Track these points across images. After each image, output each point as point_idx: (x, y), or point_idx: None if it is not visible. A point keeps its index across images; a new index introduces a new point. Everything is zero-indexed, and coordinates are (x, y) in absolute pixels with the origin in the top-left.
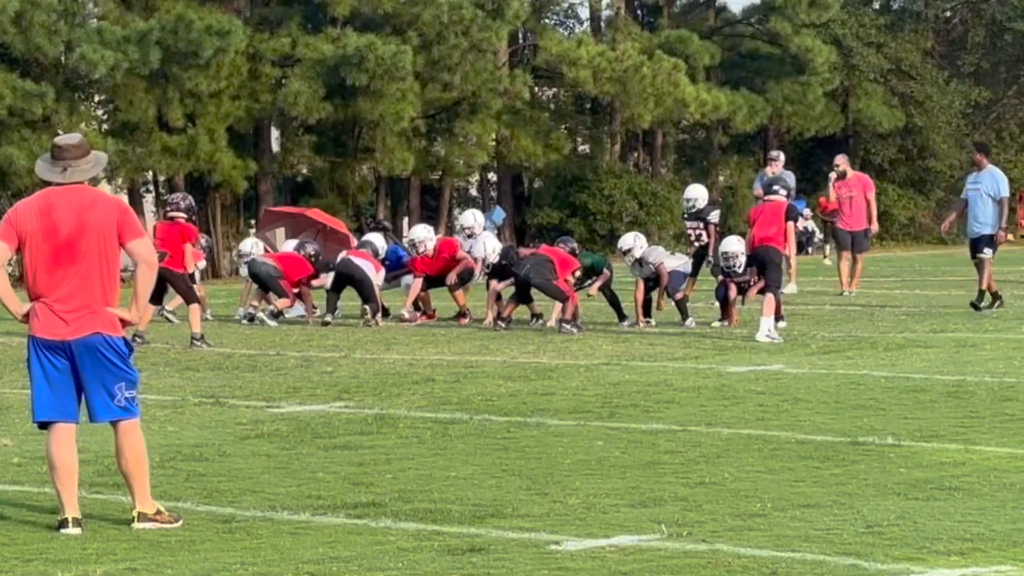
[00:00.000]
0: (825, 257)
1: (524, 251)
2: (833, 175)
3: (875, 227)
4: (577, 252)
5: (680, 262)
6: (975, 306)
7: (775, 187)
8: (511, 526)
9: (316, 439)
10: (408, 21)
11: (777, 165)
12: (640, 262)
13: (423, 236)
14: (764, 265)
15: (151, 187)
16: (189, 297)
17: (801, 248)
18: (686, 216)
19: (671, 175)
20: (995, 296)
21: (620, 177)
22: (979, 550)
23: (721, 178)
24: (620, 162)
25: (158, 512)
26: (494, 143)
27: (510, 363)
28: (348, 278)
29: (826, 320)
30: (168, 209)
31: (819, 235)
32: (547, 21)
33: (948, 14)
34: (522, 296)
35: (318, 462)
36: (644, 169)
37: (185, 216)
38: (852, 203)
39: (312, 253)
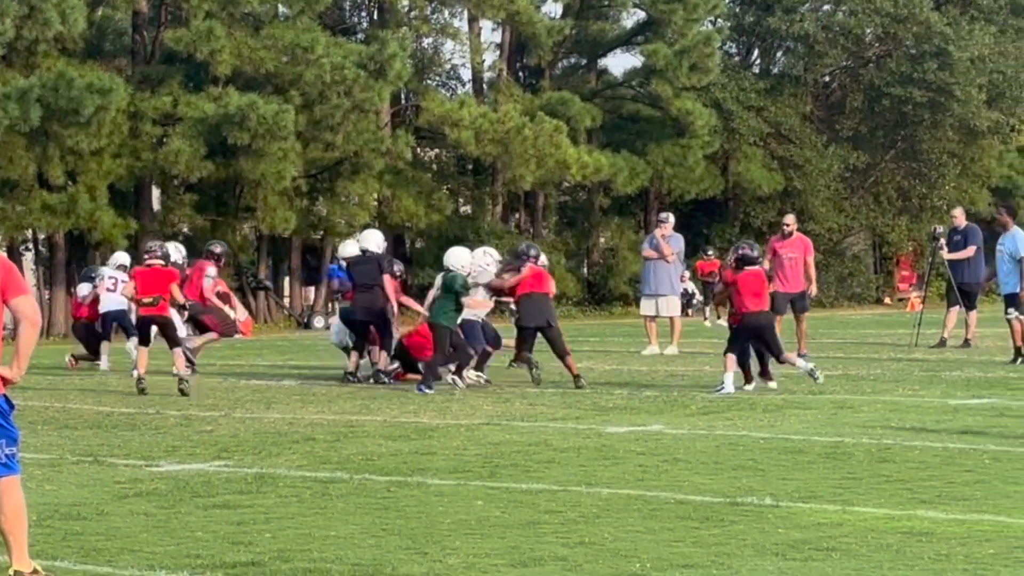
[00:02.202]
0: (705, 319)
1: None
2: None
3: (814, 289)
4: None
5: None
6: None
7: (754, 254)
8: None
9: (195, 498)
10: (290, 80)
11: (667, 227)
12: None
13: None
14: (763, 332)
15: (31, 245)
16: (175, 341)
17: (682, 310)
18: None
19: (553, 236)
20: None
21: (502, 238)
22: None
23: (602, 239)
24: (502, 223)
25: (35, 571)
26: (376, 203)
27: (391, 423)
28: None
29: (705, 381)
30: (146, 257)
31: (699, 297)
32: (429, 82)
33: (827, 79)
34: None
35: (197, 521)
36: (526, 230)
37: (163, 263)
38: (793, 264)
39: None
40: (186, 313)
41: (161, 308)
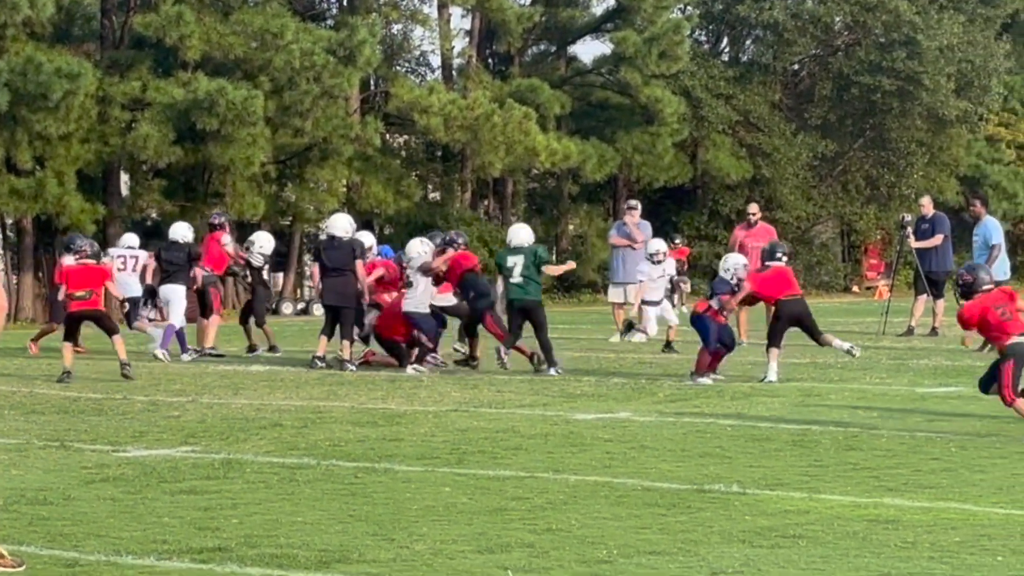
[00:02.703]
0: (673, 307)
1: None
2: (744, 224)
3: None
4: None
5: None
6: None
7: (778, 253)
8: (357, 572)
9: (162, 483)
10: (259, 66)
11: (635, 214)
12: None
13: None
14: (802, 318)
15: None
16: (114, 330)
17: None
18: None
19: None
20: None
21: (470, 224)
22: None
23: (571, 227)
24: (471, 210)
25: (0, 556)
26: (345, 189)
27: (358, 409)
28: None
29: (673, 368)
30: (77, 256)
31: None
32: (399, 68)
33: (796, 67)
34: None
35: (164, 506)
36: (495, 217)
37: (94, 261)
38: (760, 253)
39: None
40: (149, 301)
41: (94, 302)
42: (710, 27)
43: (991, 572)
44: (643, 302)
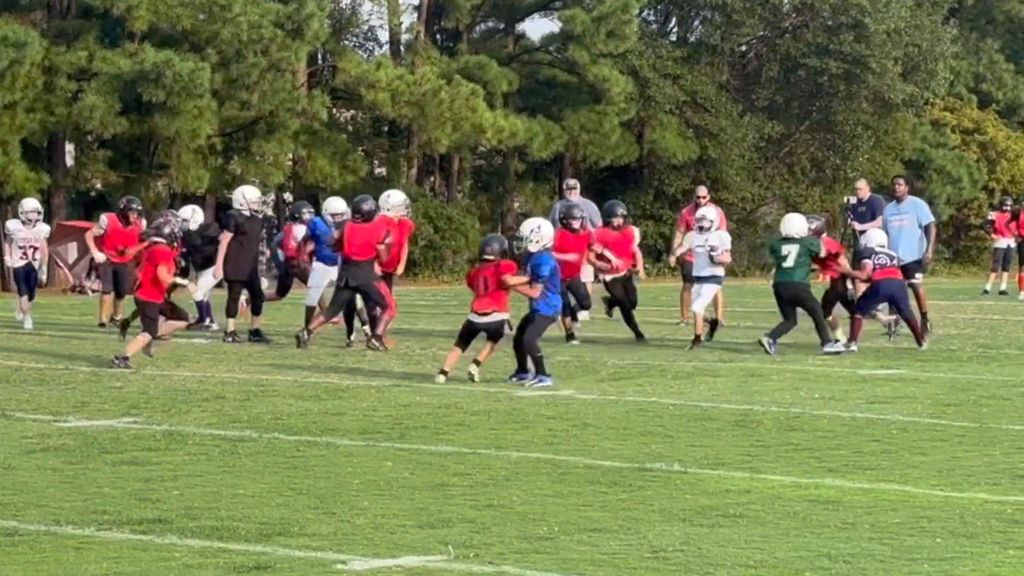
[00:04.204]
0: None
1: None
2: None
3: (727, 259)
4: None
5: None
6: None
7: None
8: (298, 544)
9: (103, 454)
10: (207, 38)
11: (575, 193)
12: None
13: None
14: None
15: None
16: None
17: (595, 275)
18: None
19: (467, 200)
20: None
21: (416, 200)
22: None
23: (516, 204)
24: (416, 185)
25: None
26: (291, 163)
27: (301, 382)
28: None
29: (616, 347)
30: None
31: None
32: (346, 43)
33: (743, 48)
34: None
35: (104, 477)
36: (440, 193)
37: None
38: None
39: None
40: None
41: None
42: (658, 7)
43: (930, 553)
44: None
